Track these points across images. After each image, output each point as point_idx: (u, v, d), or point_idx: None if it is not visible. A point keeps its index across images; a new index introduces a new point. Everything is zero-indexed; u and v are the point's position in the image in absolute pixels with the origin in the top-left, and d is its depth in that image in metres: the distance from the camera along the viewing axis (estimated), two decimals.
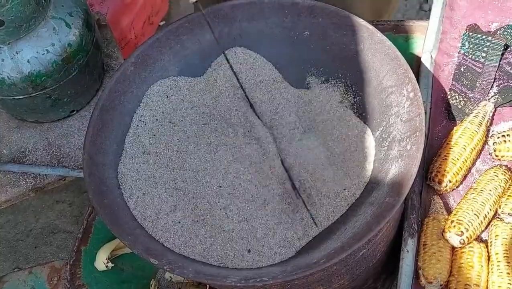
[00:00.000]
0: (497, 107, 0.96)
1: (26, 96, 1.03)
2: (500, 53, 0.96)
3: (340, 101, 0.88)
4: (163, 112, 0.88)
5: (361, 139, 0.84)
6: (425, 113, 0.94)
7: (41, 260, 1.69)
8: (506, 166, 0.90)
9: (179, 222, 0.79)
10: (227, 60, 0.88)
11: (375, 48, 0.85)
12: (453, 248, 0.83)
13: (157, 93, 0.89)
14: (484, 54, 0.97)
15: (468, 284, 0.79)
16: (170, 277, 1.08)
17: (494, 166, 0.89)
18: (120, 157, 0.84)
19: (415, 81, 0.80)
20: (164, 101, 0.89)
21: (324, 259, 0.68)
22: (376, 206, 0.74)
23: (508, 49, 0.97)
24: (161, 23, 1.90)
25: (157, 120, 0.88)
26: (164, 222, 0.79)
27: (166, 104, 0.88)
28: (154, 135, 0.86)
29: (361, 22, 0.86)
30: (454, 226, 0.82)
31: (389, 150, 0.80)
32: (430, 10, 2.25)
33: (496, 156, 0.90)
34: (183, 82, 0.91)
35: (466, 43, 1.00)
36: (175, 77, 0.91)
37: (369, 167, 0.81)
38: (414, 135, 0.76)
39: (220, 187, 0.81)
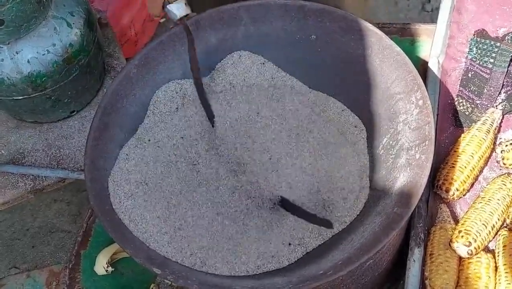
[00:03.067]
0: (505, 114, 0.94)
1: (25, 96, 1.01)
2: (509, 59, 0.95)
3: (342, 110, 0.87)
4: (172, 119, 0.86)
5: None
6: None
7: (39, 260, 1.67)
8: None
9: (180, 230, 0.78)
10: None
11: (383, 53, 0.84)
12: (460, 258, 0.82)
13: (163, 99, 0.87)
14: (492, 60, 0.95)
15: None
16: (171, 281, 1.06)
17: (502, 175, 0.88)
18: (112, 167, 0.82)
19: (424, 89, 0.78)
20: (171, 106, 0.87)
21: (331, 271, 0.67)
22: (384, 216, 0.72)
23: None
24: (162, 21, 1.89)
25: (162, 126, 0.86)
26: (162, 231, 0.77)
27: (172, 110, 0.87)
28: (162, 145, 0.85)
29: (369, 27, 0.85)
30: (462, 236, 0.80)
31: (397, 158, 0.78)
32: (432, 10, 2.23)
33: (504, 164, 0.89)
34: (188, 85, 0.89)
35: (474, 49, 0.99)
36: (179, 80, 0.89)
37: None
38: (424, 144, 0.75)
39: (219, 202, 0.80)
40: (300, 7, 0.88)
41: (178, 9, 0.86)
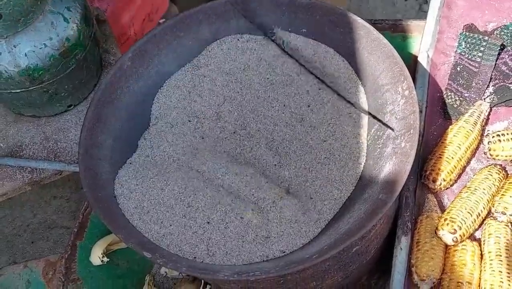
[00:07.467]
0: (493, 106, 0.96)
1: (23, 90, 1.03)
2: (497, 53, 0.96)
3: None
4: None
5: (356, 135, 0.84)
6: (421, 112, 0.94)
7: (38, 256, 1.69)
8: (501, 165, 0.90)
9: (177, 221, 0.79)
10: None
11: (371, 46, 0.85)
12: (446, 246, 0.84)
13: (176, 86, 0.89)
14: (480, 54, 0.97)
15: (460, 282, 0.79)
16: (165, 272, 1.08)
17: (488, 165, 0.90)
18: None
19: (410, 79, 0.80)
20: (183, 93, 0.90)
21: (316, 255, 0.68)
22: (369, 202, 0.74)
23: (505, 49, 0.97)
24: (161, 21, 1.91)
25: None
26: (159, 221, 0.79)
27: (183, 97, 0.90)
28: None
29: (358, 20, 0.86)
30: (448, 224, 0.82)
31: (384, 147, 0.80)
32: None
33: (491, 155, 0.91)
34: None
35: (463, 43, 1.00)
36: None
37: (361, 164, 0.81)
38: (409, 132, 0.76)
39: (220, 188, 0.82)
40: (291, 1, 0.90)
41: None
